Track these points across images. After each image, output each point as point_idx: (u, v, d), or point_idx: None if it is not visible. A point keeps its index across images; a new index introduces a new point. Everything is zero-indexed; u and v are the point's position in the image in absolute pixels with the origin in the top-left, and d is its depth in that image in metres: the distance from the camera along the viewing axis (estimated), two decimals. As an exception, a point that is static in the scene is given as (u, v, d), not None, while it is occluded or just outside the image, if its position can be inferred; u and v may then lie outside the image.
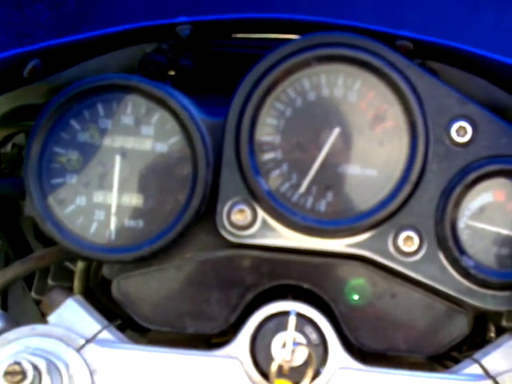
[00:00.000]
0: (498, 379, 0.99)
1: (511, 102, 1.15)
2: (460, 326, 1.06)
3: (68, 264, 1.31)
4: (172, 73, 1.27)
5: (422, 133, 1.03)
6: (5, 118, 1.20)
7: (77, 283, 1.21)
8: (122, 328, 1.15)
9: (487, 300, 1.04)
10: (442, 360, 1.14)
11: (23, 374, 0.92)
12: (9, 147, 1.31)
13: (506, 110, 1.15)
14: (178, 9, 1.27)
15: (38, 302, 1.21)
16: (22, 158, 1.23)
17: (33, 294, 1.28)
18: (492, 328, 1.22)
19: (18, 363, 0.92)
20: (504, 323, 1.20)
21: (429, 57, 1.17)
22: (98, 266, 1.23)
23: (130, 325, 1.19)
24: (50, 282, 1.26)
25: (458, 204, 1.03)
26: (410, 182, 1.03)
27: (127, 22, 1.16)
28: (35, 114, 1.12)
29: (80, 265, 1.20)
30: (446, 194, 1.03)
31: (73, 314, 1.05)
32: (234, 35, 1.29)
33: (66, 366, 0.98)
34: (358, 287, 1.06)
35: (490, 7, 1.18)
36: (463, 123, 1.04)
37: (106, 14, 1.30)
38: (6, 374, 0.92)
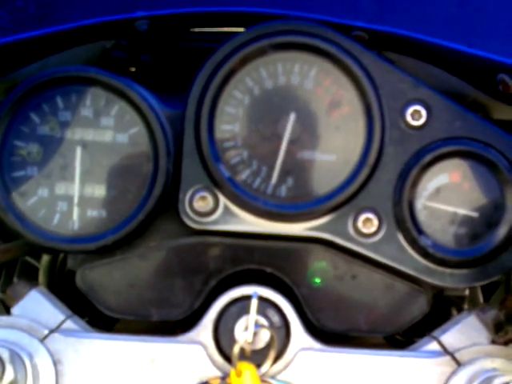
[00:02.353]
0: (456, 355, 1.01)
1: (466, 89, 1.17)
2: (420, 305, 1.08)
3: (33, 261, 1.30)
4: (133, 69, 1.29)
5: (378, 117, 1.05)
6: None
7: (41, 277, 1.22)
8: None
9: (445, 278, 1.06)
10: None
11: None
12: None
13: (461, 97, 1.17)
14: (136, 7, 1.27)
15: (3, 301, 1.20)
16: None
17: None
18: (455, 313, 1.24)
19: None
20: (466, 306, 1.23)
21: (385, 47, 1.19)
22: (64, 259, 1.23)
23: (96, 323, 1.19)
24: (15, 279, 1.25)
25: (414, 185, 1.05)
26: (368, 165, 1.04)
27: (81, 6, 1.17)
28: None
29: (44, 258, 1.21)
30: (403, 176, 1.05)
31: (36, 305, 1.05)
32: (192, 29, 1.29)
33: (30, 356, 0.98)
34: (319, 270, 1.07)
35: None
36: (418, 107, 1.06)
37: (66, 17, 1.30)
38: None
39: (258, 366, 1.00)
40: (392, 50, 1.19)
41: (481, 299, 1.25)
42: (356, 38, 1.15)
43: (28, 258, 1.32)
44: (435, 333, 1.04)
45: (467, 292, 1.24)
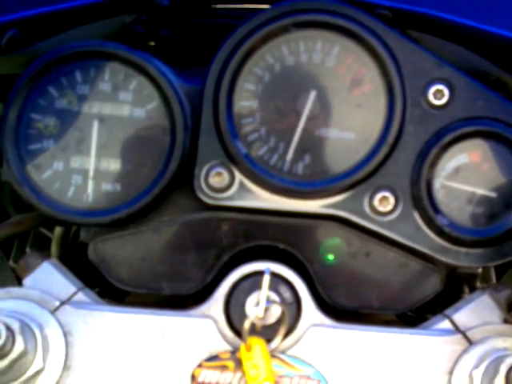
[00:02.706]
0: (468, 334, 1.01)
1: (488, 67, 1.17)
2: (433, 284, 1.08)
3: (46, 232, 1.34)
4: (152, 43, 1.29)
5: (400, 95, 1.05)
6: None
7: (54, 248, 1.24)
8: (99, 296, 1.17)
9: (460, 257, 1.06)
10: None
11: None
12: None
13: (484, 75, 1.16)
14: None
15: (15, 271, 1.21)
16: None
17: (11, 262, 1.30)
18: (467, 290, 1.26)
19: None
20: (478, 284, 1.23)
21: (408, 26, 1.18)
22: (76, 231, 1.25)
23: (107, 294, 1.20)
24: (28, 250, 1.28)
25: (433, 165, 1.06)
26: (387, 143, 1.05)
27: None
28: (10, 84, 1.13)
29: (57, 230, 1.23)
30: (423, 155, 1.05)
31: (48, 277, 1.07)
32: (213, 5, 1.31)
33: (40, 327, 0.99)
34: (333, 247, 1.08)
35: None
36: (440, 86, 1.06)
37: None
38: None
39: (269, 341, 1.00)
40: (415, 28, 1.19)
41: (493, 277, 1.26)
42: (379, 16, 1.15)
43: (41, 229, 1.35)
44: (447, 311, 1.05)
45: (480, 270, 1.25)
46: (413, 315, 1.22)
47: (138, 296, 1.12)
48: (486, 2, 1.29)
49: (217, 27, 1.27)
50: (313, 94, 1.07)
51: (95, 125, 1.08)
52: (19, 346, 0.94)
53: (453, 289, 1.19)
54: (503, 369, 0.94)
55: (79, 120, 1.09)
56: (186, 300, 1.11)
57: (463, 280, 1.22)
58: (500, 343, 1.00)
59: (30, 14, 1.15)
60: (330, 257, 1.08)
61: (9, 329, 0.95)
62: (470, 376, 0.98)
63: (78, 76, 1.09)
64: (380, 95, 1.06)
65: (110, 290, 1.13)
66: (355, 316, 1.09)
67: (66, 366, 0.99)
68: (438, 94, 1.06)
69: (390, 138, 1.05)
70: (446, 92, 1.06)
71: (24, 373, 0.96)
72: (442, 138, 1.05)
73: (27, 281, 1.06)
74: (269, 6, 1.18)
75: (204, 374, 0.99)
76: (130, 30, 1.25)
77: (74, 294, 1.05)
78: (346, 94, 1.07)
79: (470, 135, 1.06)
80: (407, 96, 1.06)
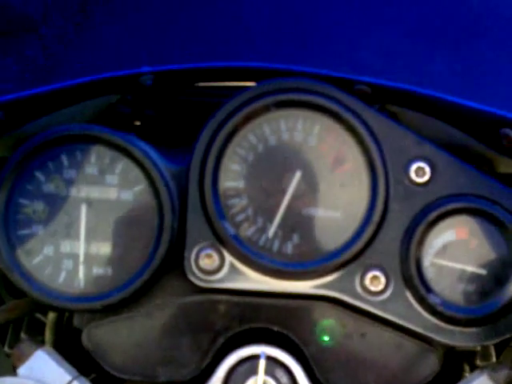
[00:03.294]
0: None
1: (469, 143, 1.19)
2: (430, 364, 1.08)
3: (41, 317, 1.32)
4: (138, 123, 1.30)
5: (382, 173, 1.06)
6: None
7: (48, 335, 1.22)
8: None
9: (455, 336, 1.06)
10: None
11: None
12: None
13: (466, 151, 1.18)
14: (141, 60, 1.29)
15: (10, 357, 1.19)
16: None
17: (6, 348, 1.29)
18: (467, 368, 1.24)
19: None
20: (478, 362, 1.23)
21: (388, 101, 1.20)
22: (70, 316, 1.23)
23: (103, 380, 1.19)
24: (22, 335, 1.26)
25: (421, 242, 1.06)
26: (373, 222, 1.06)
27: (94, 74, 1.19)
28: (0, 167, 1.13)
29: (51, 316, 1.21)
30: (409, 232, 1.06)
31: (42, 366, 1.06)
32: (196, 84, 1.32)
33: None
34: (327, 328, 1.08)
35: (442, 52, 1.25)
36: (421, 164, 1.07)
37: (74, 66, 1.34)
38: None
39: None
40: (395, 103, 1.21)
41: (493, 354, 1.25)
42: (359, 92, 1.17)
43: (36, 314, 1.32)
44: None
45: (479, 347, 1.25)
46: None
47: (134, 382, 1.11)
48: (465, 78, 1.32)
49: (201, 105, 1.28)
50: (297, 174, 1.08)
51: (83, 209, 1.08)
52: None
53: (452, 367, 1.19)
54: None
55: (67, 204, 1.09)
56: None
57: (463, 358, 1.22)
58: None
59: (15, 97, 1.16)
60: (326, 338, 1.08)
61: None
62: None
63: (65, 160, 1.09)
64: (362, 173, 1.07)
65: (106, 376, 1.12)
66: None
67: None
68: (420, 172, 1.07)
69: (376, 217, 1.06)
70: (428, 170, 1.07)
71: None
72: (428, 215, 1.06)
73: (21, 370, 1.06)
74: (252, 82, 1.19)
75: None
76: (115, 111, 1.26)
77: (70, 383, 1.04)
78: (330, 172, 1.08)
79: (455, 212, 1.07)
80: (389, 174, 1.07)
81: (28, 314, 1.23)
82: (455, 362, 1.19)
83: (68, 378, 1.04)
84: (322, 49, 1.27)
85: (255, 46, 1.32)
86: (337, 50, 1.26)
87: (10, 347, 1.28)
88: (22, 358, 1.06)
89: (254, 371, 1.02)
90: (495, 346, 1.24)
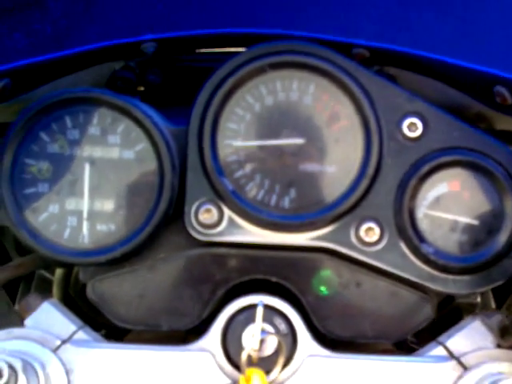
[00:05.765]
0: (462, 359, 1.05)
1: (467, 101, 1.22)
2: (425, 312, 1.12)
3: (49, 275, 1.37)
4: (141, 88, 1.34)
5: (375, 130, 1.10)
6: None
7: (55, 290, 1.28)
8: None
9: (449, 284, 1.10)
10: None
11: None
12: None
13: (462, 109, 1.22)
14: (144, 27, 1.33)
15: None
16: None
17: (16, 306, 1.33)
18: None
19: None
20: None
21: (386, 63, 1.24)
22: (77, 275, 1.28)
23: (108, 332, 1.23)
24: (31, 293, 1.31)
25: (414, 195, 1.10)
26: (367, 176, 1.09)
27: (90, 29, 1.22)
28: (3, 132, 1.17)
29: (58, 272, 1.27)
30: (403, 186, 1.10)
31: (49, 317, 1.10)
32: (196, 50, 1.36)
33: (42, 365, 1.03)
34: (324, 278, 1.12)
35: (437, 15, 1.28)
36: (413, 119, 1.11)
37: (82, 37, 1.36)
38: None
39: (267, 372, 1.03)
40: (393, 65, 1.24)
41: (493, 306, 1.28)
42: (357, 55, 1.21)
43: (44, 273, 1.38)
44: (441, 338, 1.09)
45: (479, 299, 1.29)
46: (416, 346, 1.25)
47: (138, 333, 1.16)
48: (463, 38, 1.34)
49: (201, 70, 1.31)
50: (293, 131, 1.11)
51: (87, 168, 1.13)
52: (22, 382, 0.98)
53: (455, 319, 1.22)
54: None
55: (71, 163, 1.13)
56: (184, 335, 1.15)
57: (464, 310, 1.25)
58: (494, 367, 1.04)
59: (22, 64, 1.19)
60: (323, 288, 1.11)
61: (11, 368, 1.00)
62: None
63: (68, 121, 1.14)
64: (357, 130, 1.11)
65: (111, 328, 1.17)
66: (351, 345, 1.12)
67: None
68: (412, 127, 1.11)
69: (370, 171, 1.09)
70: (420, 124, 1.11)
71: None
72: (420, 168, 1.10)
73: (28, 321, 1.09)
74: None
75: None
76: (119, 76, 1.29)
77: (75, 332, 1.09)
78: (325, 129, 1.12)
79: (446, 165, 1.11)
80: (383, 130, 1.11)
81: (34, 270, 1.28)
82: (457, 314, 1.23)
83: (74, 327, 1.08)
84: (321, 14, 1.30)
85: (254, 12, 1.35)
86: (334, 16, 1.29)
87: None
88: (29, 310, 1.10)
89: (252, 319, 1.05)
90: (496, 298, 1.27)
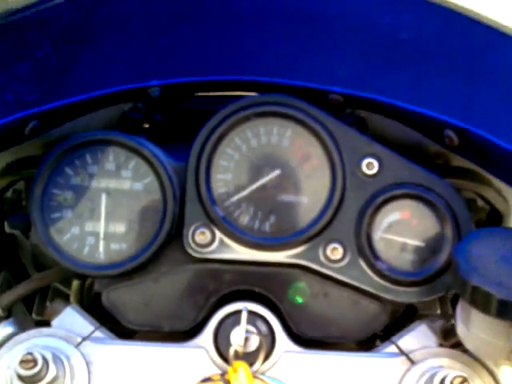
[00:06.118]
0: (410, 355, 1.18)
1: (425, 141, 1.35)
2: (381, 317, 1.25)
3: (63, 288, 1.48)
4: (146, 125, 1.45)
5: (339, 168, 1.23)
6: (9, 168, 1.37)
7: (72, 299, 1.40)
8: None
9: (400, 295, 1.23)
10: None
11: (34, 362, 1.09)
12: (9, 193, 1.46)
13: (423, 148, 1.36)
14: (148, 73, 1.45)
15: (37, 323, 1.34)
16: (21, 201, 1.43)
17: (34, 315, 1.44)
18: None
19: (30, 354, 1.10)
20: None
21: (357, 107, 1.35)
22: (90, 286, 1.41)
23: (119, 333, 1.34)
24: (48, 303, 1.43)
25: (371, 222, 1.23)
26: (333, 206, 1.23)
27: (105, 76, 1.34)
28: (34, 164, 1.29)
29: (74, 284, 1.39)
30: (362, 214, 1.23)
31: (71, 319, 1.23)
32: (196, 94, 1.47)
33: (67, 358, 1.16)
34: (298, 289, 1.24)
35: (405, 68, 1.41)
36: (371, 159, 1.24)
37: (86, 68, 1.46)
38: (21, 362, 1.09)
39: (251, 365, 1.17)
40: (363, 108, 1.36)
41: (438, 310, 1.40)
42: (332, 100, 1.34)
43: (59, 286, 1.49)
44: (394, 338, 1.22)
45: (439, 311, 1.39)
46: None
47: (144, 334, 1.29)
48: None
49: (199, 111, 1.45)
50: (274, 168, 1.25)
51: (103, 197, 1.24)
52: (52, 372, 1.12)
53: (406, 321, 1.34)
54: (436, 380, 1.12)
55: (90, 193, 1.24)
56: (182, 335, 1.27)
57: (414, 313, 1.38)
58: (436, 362, 1.17)
59: (48, 108, 1.28)
60: (297, 297, 1.24)
61: (44, 358, 1.11)
62: None
63: (88, 158, 1.25)
64: (325, 168, 1.24)
65: (121, 330, 1.30)
66: (321, 344, 1.24)
67: None
68: (370, 166, 1.24)
69: (335, 202, 1.23)
70: (376, 164, 1.24)
71: None
72: (376, 199, 1.23)
73: (55, 322, 1.23)
74: (243, 92, 1.37)
75: None
76: (128, 116, 1.42)
77: (93, 331, 1.21)
78: (299, 167, 1.24)
79: (398, 197, 1.23)
80: (346, 168, 1.24)
81: (55, 281, 1.41)
82: (409, 316, 1.36)
83: (92, 328, 1.23)
84: (304, 66, 1.43)
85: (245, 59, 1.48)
86: (315, 66, 1.43)
87: (37, 314, 1.44)
88: (55, 313, 1.24)
89: (239, 322, 1.18)
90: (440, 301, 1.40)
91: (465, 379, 1.10)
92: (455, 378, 1.10)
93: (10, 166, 1.38)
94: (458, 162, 1.37)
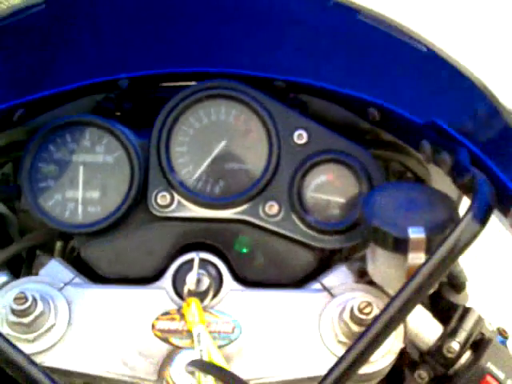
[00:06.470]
0: (331, 290, 1.35)
1: (356, 119, 1.53)
2: (310, 261, 1.43)
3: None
4: (118, 113, 1.59)
5: (275, 139, 1.42)
6: (0, 150, 1.52)
7: (56, 256, 1.57)
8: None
9: (325, 242, 1.41)
10: None
11: (25, 298, 1.24)
12: None
13: (355, 125, 1.51)
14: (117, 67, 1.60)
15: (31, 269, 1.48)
16: (8, 183, 1.58)
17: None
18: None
19: (22, 292, 1.26)
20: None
21: (298, 91, 1.52)
22: (72, 249, 1.61)
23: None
24: (34, 271, 1.55)
25: (301, 183, 1.41)
26: (270, 171, 1.41)
27: (81, 71, 1.50)
28: (20, 147, 1.45)
29: (58, 244, 1.59)
30: (294, 176, 1.41)
31: (55, 269, 1.39)
32: (160, 84, 1.66)
33: (52, 298, 1.31)
34: (242, 241, 1.42)
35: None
36: (301, 131, 1.43)
37: (63, 64, 1.54)
38: (15, 299, 1.24)
39: (202, 300, 1.32)
40: (304, 93, 1.52)
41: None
42: (277, 86, 1.50)
43: (41, 253, 1.62)
44: (319, 277, 1.38)
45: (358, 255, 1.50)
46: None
47: (115, 281, 1.42)
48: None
49: (161, 99, 1.54)
50: (222, 141, 1.43)
51: (81, 169, 1.42)
52: (39, 308, 1.26)
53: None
54: (348, 307, 1.27)
55: (70, 166, 1.42)
56: (146, 281, 1.42)
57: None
58: (351, 295, 1.32)
59: (34, 98, 1.43)
60: (242, 247, 1.42)
61: (33, 297, 1.26)
62: (332, 316, 1.30)
63: (68, 137, 1.43)
64: (263, 140, 1.43)
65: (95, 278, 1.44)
66: (263, 286, 1.40)
67: (69, 323, 1.31)
68: (300, 137, 1.42)
69: (271, 168, 1.41)
70: (305, 135, 1.42)
71: (42, 327, 1.27)
72: (305, 164, 1.41)
73: (41, 271, 1.38)
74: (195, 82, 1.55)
75: (160, 324, 1.32)
76: (101, 105, 1.56)
77: (73, 278, 1.37)
78: (242, 139, 1.43)
79: (323, 162, 1.42)
80: (280, 139, 1.42)
81: (44, 241, 1.56)
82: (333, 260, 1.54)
83: (72, 275, 1.38)
84: (252, 54, 1.57)
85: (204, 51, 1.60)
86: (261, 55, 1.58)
87: (23, 275, 1.54)
88: (42, 265, 1.39)
89: (192, 267, 1.35)
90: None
91: (369, 303, 1.25)
92: (361, 302, 1.26)
93: (1, 148, 1.53)
94: (387, 137, 1.51)
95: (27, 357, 1.09)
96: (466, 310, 1.32)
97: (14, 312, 1.26)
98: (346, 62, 1.53)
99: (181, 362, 1.27)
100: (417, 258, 1.16)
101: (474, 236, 1.09)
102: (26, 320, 1.26)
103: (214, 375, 1.18)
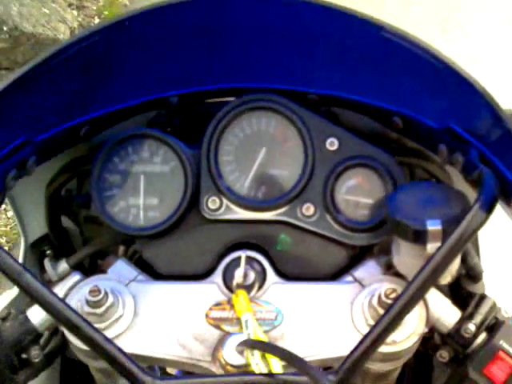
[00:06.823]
0: (362, 282, 1.42)
1: (383, 130, 1.59)
2: (343, 257, 1.51)
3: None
4: (169, 129, 1.66)
5: (310, 146, 1.50)
6: (65, 167, 1.63)
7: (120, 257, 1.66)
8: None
9: (356, 239, 1.49)
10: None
11: (99, 291, 1.35)
12: (63, 191, 1.68)
13: (382, 133, 1.59)
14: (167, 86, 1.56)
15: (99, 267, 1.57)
16: (72, 199, 1.65)
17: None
18: None
19: (96, 286, 1.37)
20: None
21: (330, 104, 1.59)
22: (133, 252, 1.62)
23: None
24: (103, 261, 1.63)
25: (334, 186, 1.50)
26: (306, 176, 1.49)
27: (134, 91, 1.56)
28: (84, 162, 1.57)
29: (121, 249, 1.62)
30: (327, 180, 1.49)
31: (121, 268, 1.49)
32: (205, 101, 1.69)
33: (120, 293, 1.41)
34: (283, 239, 1.50)
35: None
36: (332, 139, 1.51)
37: (118, 85, 1.60)
38: (90, 291, 1.35)
39: (248, 293, 1.41)
40: (335, 105, 1.59)
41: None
42: (311, 99, 1.56)
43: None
44: (351, 271, 1.46)
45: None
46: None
47: (173, 278, 1.50)
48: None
49: (208, 114, 1.63)
50: (264, 149, 1.52)
51: (142, 178, 1.52)
52: (110, 300, 1.37)
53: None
54: (376, 294, 1.35)
55: (132, 176, 1.52)
56: (200, 277, 1.49)
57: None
58: (379, 284, 1.40)
59: (97, 115, 1.51)
60: (283, 245, 1.50)
61: (105, 291, 1.37)
62: (363, 303, 1.37)
63: (130, 150, 1.53)
64: (299, 147, 1.51)
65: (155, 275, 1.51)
66: (301, 279, 1.47)
67: (134, 314, 1.39)
68: (332, 144, 1.51)
69: (307, 173, 1.49)
70: (336, 142, 1.51)
71: (112, 317, 1.37)
72: (337, 169, 1.49)
73: (109, 270, 1.48)
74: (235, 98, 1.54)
75: (213, 313, 1.42)
76: (154, 121, 1.65)
77: (137, 276, 1.47)
78: (280, 147, 1.51)
79: (353, 166, 1.49)
80: (314, 146, 1.49)
81: (111, 244, 1.62)
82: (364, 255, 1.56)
83: (136, 273, 1.47)
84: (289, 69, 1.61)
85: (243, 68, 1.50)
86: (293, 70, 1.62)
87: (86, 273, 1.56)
88: (110, 264, 1.49)
89: (240, 264, 1.43)
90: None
91: (394, 290, 1.33)
92: (387, 289, 1.34)
93: (67, 165, 1.63)
94: (411, 144, 1.57)
95: (109, 340, 1.21)
96: (482, 297, 1.39)
97: (88, 303, 1.36)
98: (372, 76, 1.59)
99: (231, 345, 1.36)
100: (435, 247, 1.24)
101: (481, 223, 1.17)
102: (98, 311, 1.35)
103: (259, 349, 1.29)
